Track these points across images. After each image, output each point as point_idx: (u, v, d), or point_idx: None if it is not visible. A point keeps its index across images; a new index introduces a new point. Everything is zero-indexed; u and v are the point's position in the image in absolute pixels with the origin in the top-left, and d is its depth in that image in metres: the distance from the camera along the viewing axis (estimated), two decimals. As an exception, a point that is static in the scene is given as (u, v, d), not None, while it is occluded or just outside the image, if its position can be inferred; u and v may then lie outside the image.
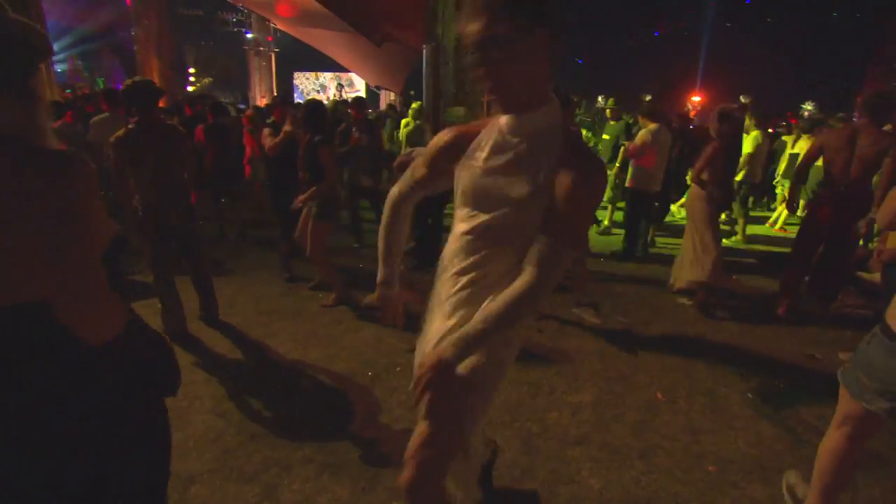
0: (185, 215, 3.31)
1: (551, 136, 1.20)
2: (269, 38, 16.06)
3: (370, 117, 7.47)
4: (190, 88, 14.52)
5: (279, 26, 15.60)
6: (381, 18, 8.61)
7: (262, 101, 15.69)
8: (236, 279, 4.53)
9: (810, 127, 7.02)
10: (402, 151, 4.89)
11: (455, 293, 1.34)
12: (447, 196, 5.09)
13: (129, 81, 3.17)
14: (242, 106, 11.93)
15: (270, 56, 16.56)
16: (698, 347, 3.47)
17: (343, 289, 4.04)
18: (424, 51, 8.82)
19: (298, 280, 4.49)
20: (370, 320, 3.71)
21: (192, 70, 14.98)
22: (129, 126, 3.09)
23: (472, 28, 1.10)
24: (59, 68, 13.62)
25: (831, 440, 1.80)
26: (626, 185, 5.49)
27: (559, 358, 3.25)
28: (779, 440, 2.49)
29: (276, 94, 17.15)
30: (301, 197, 3.80)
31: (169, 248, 3.30)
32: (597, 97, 11.01)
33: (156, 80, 13.64)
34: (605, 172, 1.25)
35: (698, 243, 4.03)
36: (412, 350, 1.53)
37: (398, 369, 3.05)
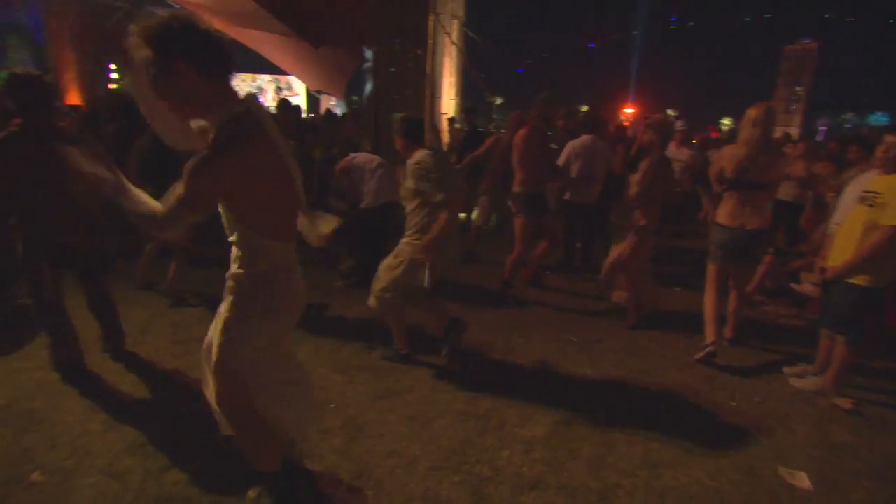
0: (86, 233, 2.82)
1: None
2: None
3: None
4: (112, 86, 13.40)
5: (215, 25, 14.72)
6: (321, 18, 8.22)
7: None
8: (152, 301, 4.02)
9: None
10: None
11: None
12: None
13: (8, 74, 2.67)
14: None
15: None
16: (649, 367, 3.39)
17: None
18: (368, 54, 8.53)
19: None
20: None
21: (113, 66, 13.82)
22: (12, 129, 2.61)
23: None
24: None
25: (710, 296, 3.52)
26: (563, 197, 5.35)
27: (508, 386, 3.05)
28: (734, 469, 2.40)
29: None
30: None
31: (61, 271, 2.82)
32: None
33: (71, 75, 12.45)
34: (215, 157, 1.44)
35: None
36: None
37: (332, 406, 2.74)
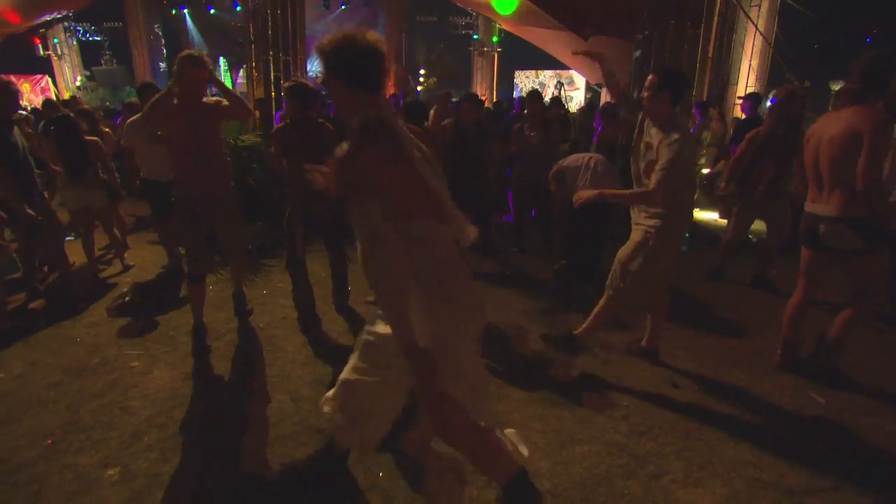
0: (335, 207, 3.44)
1: None
2: (494, 39, 16.70)
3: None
4: (419, 88, 16.14)
5: (504, 26, 16.03)
6: (591, 10, 8.01)
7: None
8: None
9: None
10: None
11: None
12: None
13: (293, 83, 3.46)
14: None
15: (494, 56, 17.23)
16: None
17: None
18: (636, 43, 7.88)
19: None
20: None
21: (422, 71, 16.65)
22: (286, 122, 3.45)
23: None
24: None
25: None
26: None
27: (689, 431, 2.48)
28: None
29: (495, 91, 17.74)
30: None
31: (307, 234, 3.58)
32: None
33: (392, 80, 15.53)
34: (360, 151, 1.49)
35: None
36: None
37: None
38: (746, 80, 10.92)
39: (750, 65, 10.99)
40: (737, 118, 7.12)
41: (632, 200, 2.90)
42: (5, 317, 3.43)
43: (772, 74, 10.55)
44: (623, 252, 2.87)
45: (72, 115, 4.31)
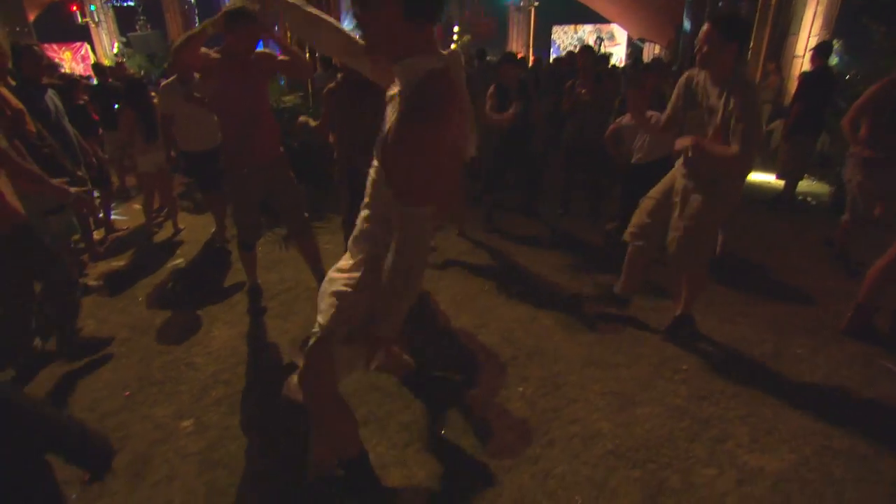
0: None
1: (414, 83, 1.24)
2: (531, -8, 15.98)
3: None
4: (452, 46, 15.59)
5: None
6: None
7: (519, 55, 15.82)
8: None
9: None
10: None
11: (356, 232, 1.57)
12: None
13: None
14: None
15: (530, 10, 16.50)
16: None
17: None
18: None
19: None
20: (525, 298, 3.42)
21: (456, 28, 16.12)
22: (337, 82, 3.37)
23: None
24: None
25: None
26: None
27: (752, 396, 2.42)
28: None
29: (531, 48, 17.08)
30: None
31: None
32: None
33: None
34: (425, 126, 1.22)
35: None
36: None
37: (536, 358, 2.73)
38: (810, 29, 10.07)
39: (815, 10, 10.11)
40: (805, 72, 6.47)
41: (720, 161, 2.46)
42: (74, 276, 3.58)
43: (839, 21, 9.60)
44: (686, 222, 2.60)
45: (143, 79, 4.36)
